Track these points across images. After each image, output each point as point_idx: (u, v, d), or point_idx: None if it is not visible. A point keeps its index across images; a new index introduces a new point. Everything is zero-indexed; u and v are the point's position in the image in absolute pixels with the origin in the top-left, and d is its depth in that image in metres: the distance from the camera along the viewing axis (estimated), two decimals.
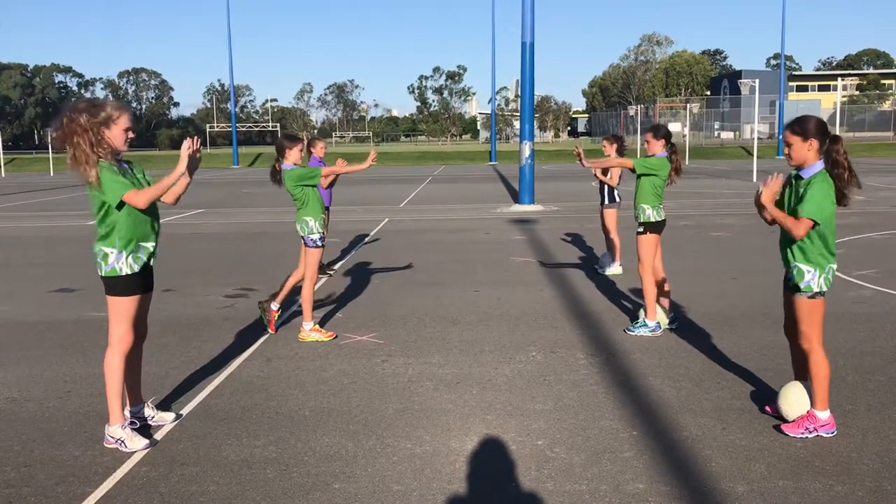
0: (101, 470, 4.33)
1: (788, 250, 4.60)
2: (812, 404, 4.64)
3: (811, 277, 4.52)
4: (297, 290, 7.49)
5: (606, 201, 10.32)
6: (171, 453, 4.55)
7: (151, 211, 4.63)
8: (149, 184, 4.67)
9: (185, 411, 5.25)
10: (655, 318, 6.99)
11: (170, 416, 5.06)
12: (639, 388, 5.60)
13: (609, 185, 10.24)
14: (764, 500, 3.85)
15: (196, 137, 4.60)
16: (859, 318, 7.43)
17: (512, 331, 7.29)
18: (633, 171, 7.03)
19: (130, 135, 4.56)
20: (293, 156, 6.96)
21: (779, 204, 4.68)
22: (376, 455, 4.48)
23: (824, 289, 4.54)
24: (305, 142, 7.40)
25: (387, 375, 6.00)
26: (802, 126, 4.49)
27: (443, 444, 4.64)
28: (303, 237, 7.07)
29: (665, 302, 7.22)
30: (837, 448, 4.45)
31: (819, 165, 4.49)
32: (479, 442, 4.66)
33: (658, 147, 7.07)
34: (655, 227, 7.01)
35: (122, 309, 4.57)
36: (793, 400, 4.71)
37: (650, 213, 6.98)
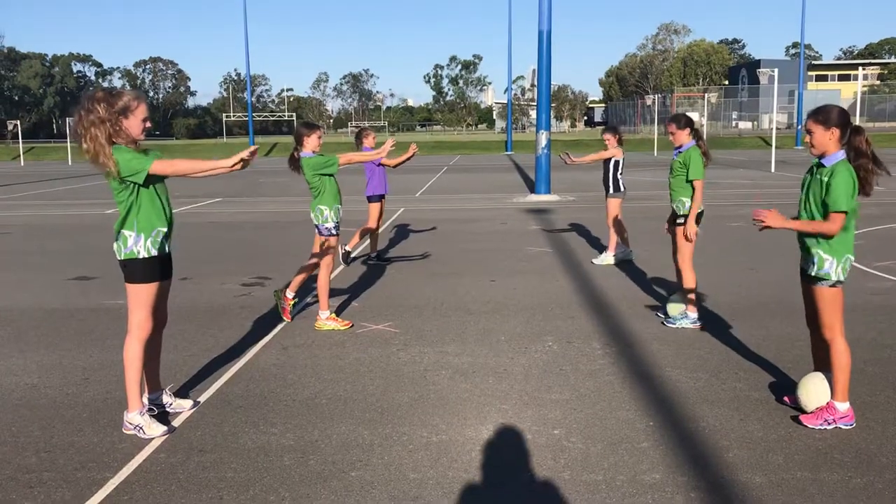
0: (120, 456, 4.37)
1: (810, 238, 4.56)
2: (832, 395, 4.61)
3: (829, 266, 4.50)
4: (312, 278, 7.49)
5: (611, 191, 10.29)
6: (188, 440, 4.59)
7: (166, 199, 4.66)
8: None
9: (202, 399, 5.28)
10: (696, 309, 6.95)
11: (188, 403, 5.09)
12: (655, 378, 5.58)
13: (614, 175, 10.19)
14: (782, 492, 3.83)
15: (256, 148, 4.56)
16: (879, 310, 7.36)
17: (528, 320, 7.28)
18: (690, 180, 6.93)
19: (147, 124, 4.58)
20: (311, 143, 6.97)
21: (802, 193, 4.66)
22: (392, 443, 4.49)
23: (842, 278, 4.52)
24: (322, 131, 7.40)
25: (402, 364, 6.01)
26: (825, 115, 4.49)
27: (459, 432, 4.64)
28: (317, 226, 7.08)
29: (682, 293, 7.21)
30: (857, 440, 4.42)
31: (840, 154, 4.48)
32: (495, 431, 4.66)
33: (684, 137, 7.03)
34: (696, 219, 6.99)
35: (140, 296, 4.59)
36: (812, 391, 4.68)
37: (689, 206, 6.93)
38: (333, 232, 7.05)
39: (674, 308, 7.05)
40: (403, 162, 10.23)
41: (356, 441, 4.53)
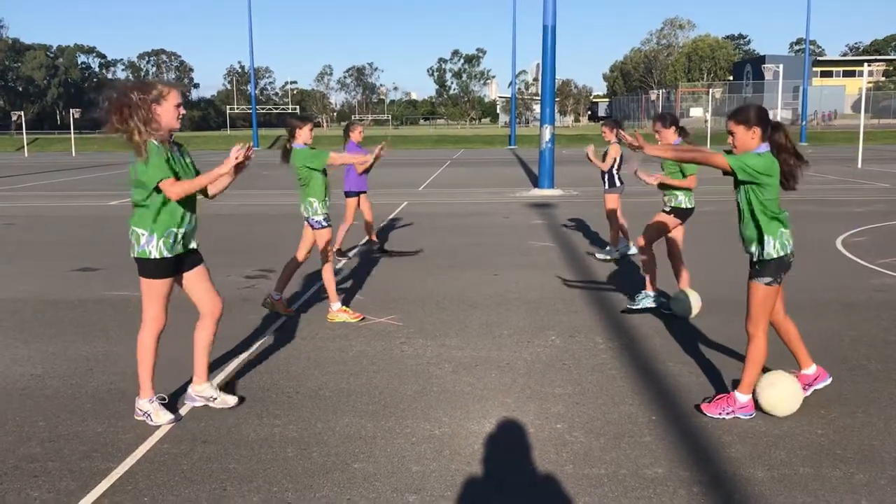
0: (123, 446, 4.39)
1: (748, 230, 4.61)
2: (736, 386, 4.74)
3: (770, 247, 4.53)
4: (306, 274, 7.49)
5: (607, 186, 10.30)
6: (192, 431, 4.60)
7: (189, 200, 4.61)
8: (197, 173, 4.67)
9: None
10: (654, 287, 7.25)
11: (233, 399, 5.00)
12: (658, 373, 5.59)
13: (610, 170, 10.20)
14: (784, 487, 3.84)
15: (248, 145, 4.55)
16: (883, 307, 7.36)
17: (531, 314, 7.29)
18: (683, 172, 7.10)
19: (181, 111, 4.57)
20: (303, 135, 7.00)
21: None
22: (395, 436, 4.51)
23: (781, 253, 4.54)
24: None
25: (406, 357, 6.02)
26: (745, 115, 4.55)
27: (461, 425, 4.65)
28: (307, 218, 7.07)
29: (685, 282, 7.28)
30: (860, 436, 4.42)
31: (764, 147, 4.53)
32: (497, 424, 4.67)
33: (670, 135, 7.09)
34: (683, 214, 7.03)
35: (152, 290, 4.60)
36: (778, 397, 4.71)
37: (682, 199, 7.02)
38: (324, 224, 7.04)
39: (678, 305, 7.06)
40: (372, 165, 10.06)
41: (359, 433, 4.55)
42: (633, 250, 10.33)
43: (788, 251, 4.56)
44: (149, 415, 4.69)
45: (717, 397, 4.80)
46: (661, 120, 7.16)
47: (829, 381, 5.00)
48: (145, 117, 4.38)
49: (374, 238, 11.00)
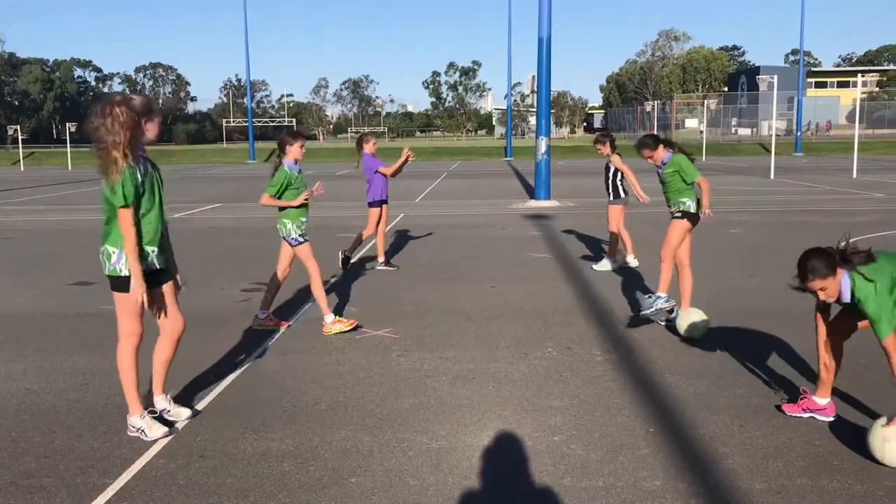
0: (119, 462, 4.37)
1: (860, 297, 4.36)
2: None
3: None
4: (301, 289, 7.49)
5: (612, 197, 10.32)
6: (188, 446, 4.58)
7: (158, 217, 4.61)
8: (160, 190, 4.67)
9: (202, 405, 5.28)
10: (665, 290, 7.07)
11: (186, 412, 5.05)
12: (655, 385, 5.58)
13: (614, 182, 10.25)
14: (782, 499, 3.83)
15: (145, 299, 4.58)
16: None
17: (528, 326, 7.28)
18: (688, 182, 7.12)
19: (159, 127, 4.63)
20: (293, 152, 7.02)
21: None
22: (392, 449, 4.49)
23: None
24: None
25: (403, 370, 6.01)
26: (817, 268, 4.34)
27: (459, 439, 4.64)
28: (284, 238, 7.11)
29: (687, 298, 7.23)
30: (858, 447, 4.41)
31: (846, 280, 4.37)
32: (494, 437, 4.66)
33: (661, 152, 7.10)
34: (693, 219, 7.07)
35: (125, 305, 4.60)
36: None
37: (690, 205, 7.07)
38: (301, 240, 7.05)
39: (684, 326, 6.99)
40: (400, 169, 10.29)
41: (356, 447, 4.53)
42: (634, 262, 10.32)
43: None
44: (142, 431, 4.67)
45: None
46: (645, 145, 7.08)
47: (831, 418, 4.85)
48: (133, 135, 4.38)
49: (382, 254, 10.81)
